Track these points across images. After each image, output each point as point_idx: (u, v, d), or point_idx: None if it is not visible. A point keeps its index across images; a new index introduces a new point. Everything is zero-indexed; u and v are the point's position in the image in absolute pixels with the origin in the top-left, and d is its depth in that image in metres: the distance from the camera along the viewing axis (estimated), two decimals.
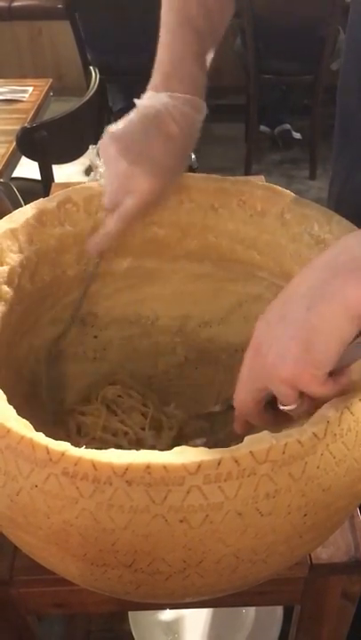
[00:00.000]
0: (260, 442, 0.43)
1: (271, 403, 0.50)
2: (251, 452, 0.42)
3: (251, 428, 0.53)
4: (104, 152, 0.65)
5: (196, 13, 0.65)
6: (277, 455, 0.43)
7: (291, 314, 0.43)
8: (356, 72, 0.77)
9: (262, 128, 3.13)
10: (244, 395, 0.50)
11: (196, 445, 0.43)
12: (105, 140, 0.65)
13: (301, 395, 0.45)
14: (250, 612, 1.08)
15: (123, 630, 1.10)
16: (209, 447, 0.43)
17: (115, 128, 0.64)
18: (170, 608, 0.99)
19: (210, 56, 0.68)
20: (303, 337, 0.42)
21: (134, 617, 1.08)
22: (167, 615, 1.09)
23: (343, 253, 0.42)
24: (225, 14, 0.70)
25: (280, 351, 0.44)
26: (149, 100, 0.64)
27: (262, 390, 0.48)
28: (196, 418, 0.72)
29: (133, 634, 1.06)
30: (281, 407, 0.47)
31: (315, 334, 0.41)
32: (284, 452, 0.43)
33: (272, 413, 0.50)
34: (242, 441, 0.43)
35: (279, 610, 1.07)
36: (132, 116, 0.64)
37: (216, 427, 0.70)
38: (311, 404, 0.46)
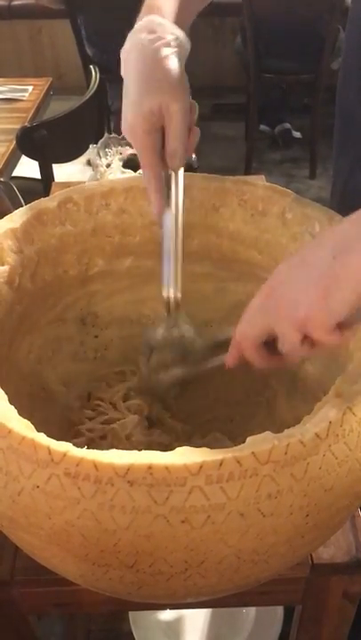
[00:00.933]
0: (262, 442, 0.43)
1: (267, 343, 0.50)
2: (253, 452, 0.42)
3: (240, 364, 0.54)
4: (125, 98, 0.63)
5: None
6: (279, 456, 0.43)
7: (314, 259, 0.44)
8: (356, 71, 0.77)
9: (262, 127, 3.13)
10: (248, 328, 0.50)
11: None
12: (123, 85, 0.63)
13: (302, 340, 0.46)
14: (250, 612, 1.08)
15: (123, 630, 1.10)
16: None
17: (122, 67, 0.63)
18: (170, 608, 0.99)
19: (193, 10, 0.68)
20: (324, 283, 0.42)
21: (134, 617, 1.08)
22: (167, 615, 1.09)
23: None
24: None
25: (297, 294, 0.44)
26: (136, 30, 0.63)
27: (267, 328, 0.48)
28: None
29: (134, 634, 1.06)
30: (280, 348, 0.48)
31: (336, 282, 0.42)
32: (286, 453, 0.43)
33: (267, 353, 0.51)
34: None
35: (280, 610, 1.07)
36: (127, 52, 0.63)
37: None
38: (309, 351, 0.47)
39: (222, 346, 0.57)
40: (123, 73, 0.64)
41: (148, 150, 0.61)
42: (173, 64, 0.61)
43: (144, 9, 0.65)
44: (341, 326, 0.44)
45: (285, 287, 0.46)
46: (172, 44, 0.61)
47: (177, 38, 0.62)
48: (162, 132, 0.62)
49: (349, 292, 0.42)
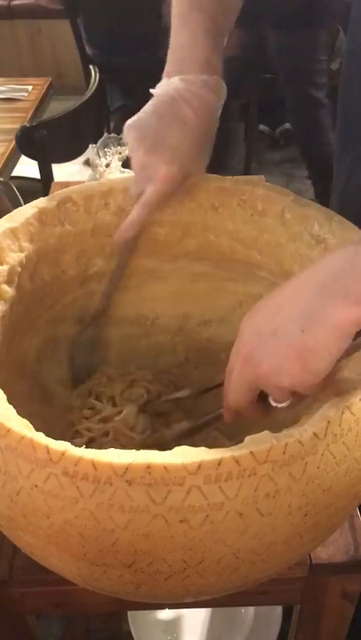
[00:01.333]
0: (260, 442, 0.43)
1: (261, 395, 0.51)
2: (251, 452, 0.42)
3: (240, 417, 0.55)
4: (127, 137, 0.66)
5: (209, 5, 0.65)
6: (278, 455, 0.43)
7: (284, 332, 0.45)
8: (358, 75, 0.76)
9: (262, 127, 3.12)
10: (238, 396, 0.51)
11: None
12: (125, 130, 0.65)
13: (293, 392, 0.47)
14: (249, 612, 1.08)
15: (122, 630, 1.10)
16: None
17: (136, 116, 0.65)
18: (169, 608, 0.99)
19: (223, 39, 0.67)
20: (299, 356, 0.45)
21: (133, 616, 1.08)
22: (166, 615, 1.09)
23: (328, 274, 0.44)
24: (237, 7, 0.69)
25: (275, 366, 0.46)
26: (162, 87, 0.64)
27: (255, 390, 0.50)
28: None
29: (132, 633, 1.06)
30: (274, 404, 0.49)
31: (310, 354, 0.44)
32: (284, 452, 0.43)
33: (262, 404, 0.52)
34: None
35: (278, 609, 1.07)
36: (147, 105, 0.64)
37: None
38: (303, 398, 0.49)
39: (217, 388, 0.58)
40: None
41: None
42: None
43: (172, 62, 0.65)
44: (326, 377, 0.46)
45: (261, 356, 0.47)
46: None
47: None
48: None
49: (324, 357, 0.44)
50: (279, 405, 0.49)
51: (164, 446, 0.45)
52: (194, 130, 0.63)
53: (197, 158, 0.66)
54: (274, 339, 0.46)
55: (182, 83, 0.63)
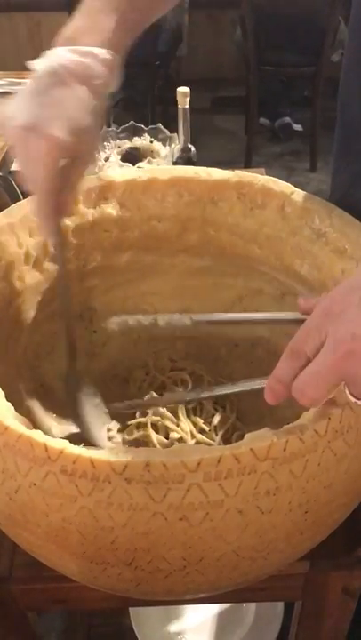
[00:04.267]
0: (260, 439, 0.42)
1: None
2: (251, 449, 0.42)
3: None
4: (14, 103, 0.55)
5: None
6: (278, 452, 0.42)
7: None
8: (358, 85, 0.74)
9: (262, 120, 3.11)
10: (323, 392, 0.42)
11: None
12: (16, 97, 0.55)
13: None
14: (250, 607, 1.08)
15: (123, 625, 1.10)
16: None
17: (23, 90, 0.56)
18: (170, 604, 0.99)
19: (140, 24, 0.62)
20: None
21: (135, 611, 1.08)
22: (167, 609, 1.09)
23: None
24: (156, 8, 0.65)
25: None
26: (46, 58, 0.56)
27: (338, 384, 0.43)
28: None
29: (134, 628, 1.07)
30: (353, 399, 0.43)
31: None
32: (285, 450, 0.42)
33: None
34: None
35: (280, 605, 1.07)
36: (36, 77, 0.56)
37: None
38: None
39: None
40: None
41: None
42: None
43: (66, 30, 0.58)
44: None
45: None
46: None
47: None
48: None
49: None
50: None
51: None
52: (87, 106, 0.55)
53: (89, 134, 0.57)
54: None
55: (68, 53, 0.55)
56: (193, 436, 0.69)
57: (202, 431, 0.70)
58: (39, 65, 0.56)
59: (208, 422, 0.71)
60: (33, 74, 0.56)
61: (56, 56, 0.56)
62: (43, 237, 0.64)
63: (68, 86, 0.55)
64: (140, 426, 0.69)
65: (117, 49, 0.59)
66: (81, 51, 0.56)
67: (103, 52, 0.57)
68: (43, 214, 0.58)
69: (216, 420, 0.70)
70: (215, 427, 0.70)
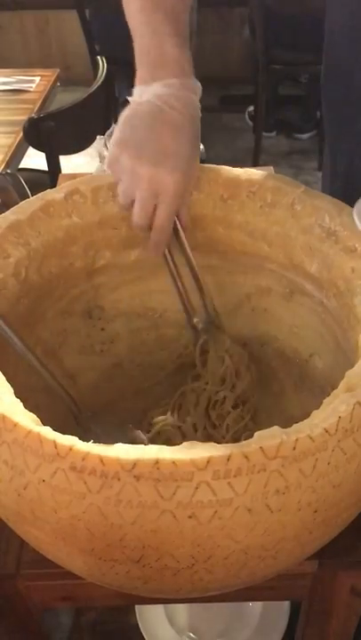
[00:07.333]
0: (270, 438, 0.42)
1: None
2: (261, 447, 0.42)
3: None
4: (115, 164, 0.62)
5: None
6: (288, 451, 0.42)
7: None
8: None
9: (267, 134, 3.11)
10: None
11: None
12: (114, 151, 0.62)
13: None
14: (257, 606, 1.07)
15: (129, 622, 1.10)
16: None
17: (117, 135, 0.62)
18: (177, 603, 0.99)
19: (187, 34, 0.66)
20: None
21: (141, 609, 1.08)
22: (173, 607, 1.09)
23: None
24: None
25: None
26: (142, 95, 0.62)
27: None
28: None
29: (140, 625, 1.07)
30: None
31: None
32: (294, 448, 0.42)
33: None
34: None
35: (286, 604, 1.06)
36: (129, 117, 0.62)
37: None
38: None
39: None
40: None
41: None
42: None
43: (144, 68, 0.63)
44: None
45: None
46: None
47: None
48: None
49: None
50: None
51: None
52: (185, 131, 0.62)
53: (194, 161, 0.64)
54: None
55: (162, 88, 0.61)
56: (196, 429, 0.69)
57: (213, 426, 0.70)
58: (138, 99, 0.62)
59: (222, 418, 0.71)
60: (133, 108, 0.63)
61: (150, 91, 0.62)
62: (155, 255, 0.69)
63: (170, 120, 0.61)
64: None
65: (190, 70, 0.64)
66: (168, 83, 0.62)
67: (190, 83, 0.63)
68: (163, 244, 0.66)
69: (230, 417, 0.70)
70: (228, 425, 0.70)
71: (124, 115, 0.63)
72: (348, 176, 0.84)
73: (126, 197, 0.64)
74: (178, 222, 0.66)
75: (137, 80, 0.64)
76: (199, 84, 0.64)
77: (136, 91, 0.64)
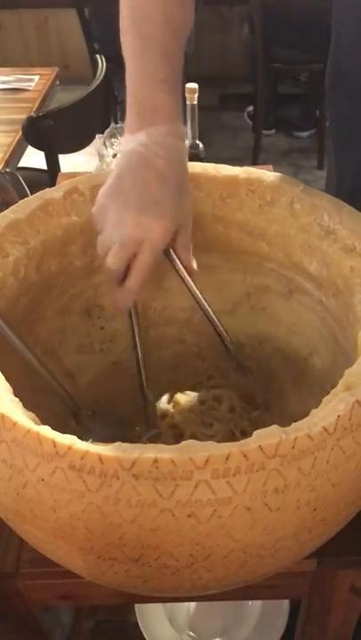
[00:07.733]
0: (269, 436, 0.42)
1: None
2: (260, 446, 0.42)
3: None
4: (103, 215, 0.62)
5: (161, 35, 0.63)
6: (287, 450, 0.42)
7: None
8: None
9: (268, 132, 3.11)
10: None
11: None
12: (101, 201, 0.62)
13: None
14: (256, 604, 1.08)
15: (129, 621, 1.10)
16: None
17: (105, 188, 0.62)
18: (176, 601, 0.99)
19: (180, 67, 0.66)
20: None
21: (140, 607, 1.08)
22: (173, 606, 1.09)
23: None
24: (188, 25, 0.68)
25: None
26: (128, 144, 0.62)
27: None
28: None
29: (140, 624, 1.07)
30: None
31: None
32: (293, 447, 0.42)
33: None
34: None
35: (285, 602, 1.06)
36: (117, 168, 0.62)
37: None
38: None
39: None
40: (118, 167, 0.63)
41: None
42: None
43: (132, 116, 0.63)
44: None
45: None
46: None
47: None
48: None
49: None
50: None
51: None
52: (170, 178, 0.61)
53: (183, 207, 0.63)
54: None
55: (147, 137, 0.61)
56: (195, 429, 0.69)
57: (210, 425, 0.70)
58: (124, 149, 0.63)
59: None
60: (120, 158, 0.63)
61: (136, 141, 0.62)
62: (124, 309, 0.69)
63: (155, 167, 0.61)
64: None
65: (178, 116, 0.64)
66: (154, 132, 0.62)
67: (176, 128, 0.63)
68: (133, 297, 0.66)
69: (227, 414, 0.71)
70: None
71: (116, 165, 0.63)
72: (356, 177, 0.83)
73: (104, 246, 0.62)
74: (183, 269, 0.66)
75: (125, 128, 0.64)
76: (184, 129, 0.65)
77: (123, 140, 0.64)
